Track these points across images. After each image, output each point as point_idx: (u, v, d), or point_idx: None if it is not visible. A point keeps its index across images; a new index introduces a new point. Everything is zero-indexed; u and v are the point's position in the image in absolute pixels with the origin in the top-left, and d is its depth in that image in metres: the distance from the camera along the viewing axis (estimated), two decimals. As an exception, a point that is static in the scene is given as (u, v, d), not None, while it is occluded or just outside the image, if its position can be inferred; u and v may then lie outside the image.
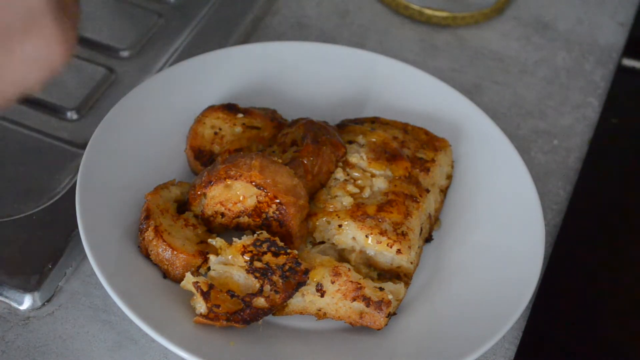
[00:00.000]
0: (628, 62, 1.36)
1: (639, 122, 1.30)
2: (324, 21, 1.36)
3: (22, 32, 0.73)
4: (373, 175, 1.09)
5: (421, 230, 1.07)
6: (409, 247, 1.04)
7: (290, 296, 0.98)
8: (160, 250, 1.01)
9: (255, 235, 1.00)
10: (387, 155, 1.10)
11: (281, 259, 0.99)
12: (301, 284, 0.99)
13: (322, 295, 1.00)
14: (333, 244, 1.05)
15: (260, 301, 0.97)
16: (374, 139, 1.11)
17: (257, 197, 1.03)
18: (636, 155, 1.26)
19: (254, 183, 1.02)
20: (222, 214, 1.05)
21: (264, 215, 1.04)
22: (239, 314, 0.96)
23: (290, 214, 1.02)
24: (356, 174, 1.09)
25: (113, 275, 0.98)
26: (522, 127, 1.27)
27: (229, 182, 1.03)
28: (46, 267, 1.05)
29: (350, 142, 1.12)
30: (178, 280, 1.01)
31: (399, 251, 1.03)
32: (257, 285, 0.98)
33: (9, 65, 0.74)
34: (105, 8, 1.31)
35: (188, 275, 0.98)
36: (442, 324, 1.02)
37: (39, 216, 1.08)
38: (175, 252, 1.01)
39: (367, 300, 1.00)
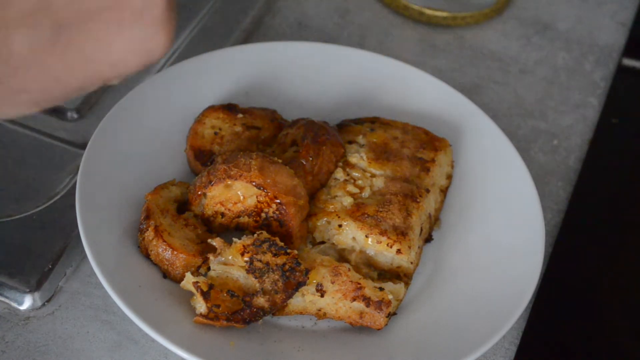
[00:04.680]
0: (628, 62, 1.36)
1: (639, 122, 1.30)
2: (324, 21, 1.36)
3: (136, 15, 0.73)
4: (373, 175, 1.09)
5: (421, 230, 1.07)
6: (409, 247, 1.04)
7: (290, 296, 0.98)
8: (160, 250, 1.01)
9: (255, 235, 1.00)
10: (387, 155, 1.10)
11: (281, 259, 0.99)
12: (301, 284, 0.99)
13: (322, 295, 1.00)
14: (333, 244, 1.05)
15: (260, 301, 0.97)
16: (374, 139, 1.11)
17: (257, 197, 1.03)
18: (636, 155, 1.26)
19: (254, 183, 1.02)
20: (222, 214, 1.05)
21: (264, 215, 1.04)
22: (239, 314, 0.96)
23: (290, 214, 1.02)
24: (356, 174, 1.09)
25: (113, 275, 0.98)
26: (522, 127, 1.27)
27: (229, 182, 1.03)
28: (46, 267, 1.05)
29: (350, 142, 1.12)
30: (178, 280, 1.01)
31: (399, 251, 1.03)
32: (257, 285, 0.98)
33: (114, 45, 0.74)
34: (105, 8, 1.30)
35: (188, 275, 0.98)
36: (442, 324, 1.02)
37: (39, 216, 1.08)
38: (175, 252, 1.01)
39: (367, 300, 1.00)
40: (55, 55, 0.73)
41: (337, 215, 1.05)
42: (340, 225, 1.04)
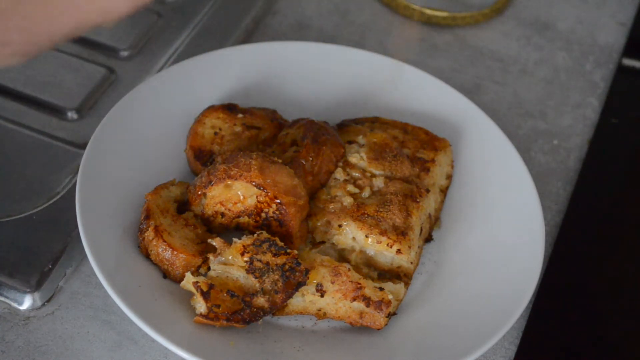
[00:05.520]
0: (628, 62, 1.36)
1: (639, 122, 1.30)
2: (324, 21, 1.36)
3: None
4: (373, 175, 1.09)
5: (421, 230, 1.07)
6: (409, 247, 1.04)
7: (290, 296, 0.98)
8: (160, 250, 1.01)
9: (255, 235, 1.00)
10: (387, 155, 1.10)
11: (281, 259, 0.99)
12: (301, 284, 0.99)
13: (322, 295, 1.00)
14: (333, 244, 1.05)
15: (260, 301, 0.97)
16: (374, 139, 1.11)
17: (257, 197, 1.03)
18: (636, 155, 1.26)
19: (254, 183, 1.02)
20: (222, 214, 1.05)
21: (264, 215, 1.04)
22: (239, 314, 0.96)
23: (290, 214, 1.02)
24: (356, 174, 1.09)
25: (113, 275, 0.98)
26: (522, 127, 1.27)
27: (229, 182, 1.03)
28: (46, 267, 1.05)
29: (350, 142, 1.12)
30: (178, 280, 1.01)
31: (399, 251, 1.03)
32: (257, 285, 0.98)
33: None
34: (105, 8, 1.31)
35: (188, 275, 0.98)
36: (442, 324, 1.02)
37: (39, 216, 1.08)
38: (175, 252, 1.01)
39: (367, 300, 1.00)
40: (37, 4, 0.72)
41: (337, 215, 1.05)
42: (340, 225, 1.04)
